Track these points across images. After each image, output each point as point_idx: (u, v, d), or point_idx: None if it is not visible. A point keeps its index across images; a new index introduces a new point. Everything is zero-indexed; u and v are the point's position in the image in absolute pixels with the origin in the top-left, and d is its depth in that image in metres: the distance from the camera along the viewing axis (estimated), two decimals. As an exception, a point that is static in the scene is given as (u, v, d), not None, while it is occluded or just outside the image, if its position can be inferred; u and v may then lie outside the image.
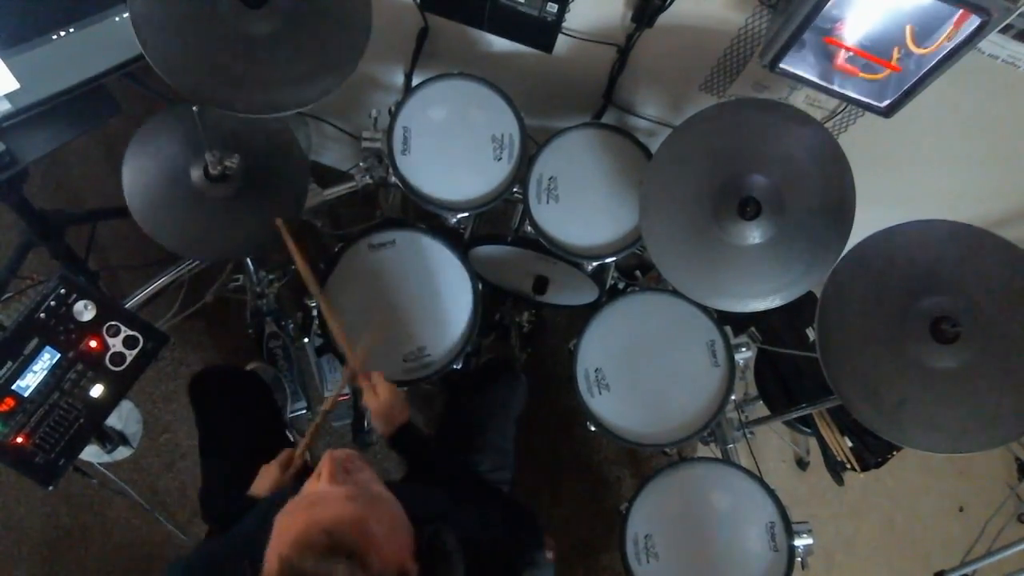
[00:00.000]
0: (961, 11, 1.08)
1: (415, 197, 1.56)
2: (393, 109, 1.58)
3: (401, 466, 1.37)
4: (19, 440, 1.21)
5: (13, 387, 1.21)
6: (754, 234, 1.33)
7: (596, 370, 1.64)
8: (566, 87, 1.74)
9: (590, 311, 1.70)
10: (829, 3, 1.12)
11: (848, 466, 1.93)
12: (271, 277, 1.98)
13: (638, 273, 2.25)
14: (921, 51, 1.17)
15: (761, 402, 2.06)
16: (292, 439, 1.72)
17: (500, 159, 1.58)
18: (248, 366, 2.07)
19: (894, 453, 1.88)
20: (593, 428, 1.63)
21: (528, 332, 2.17)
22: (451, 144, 1.58)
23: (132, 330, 1.30)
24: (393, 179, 1.58)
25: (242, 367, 2.02)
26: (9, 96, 1.28)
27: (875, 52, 1.22)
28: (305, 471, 1.28)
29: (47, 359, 1.24)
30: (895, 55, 1.21)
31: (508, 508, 1.14)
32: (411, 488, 1.31)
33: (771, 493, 1.56)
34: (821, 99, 1.54)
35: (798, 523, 1.55)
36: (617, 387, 1.64)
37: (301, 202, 1.49)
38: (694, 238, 1.36)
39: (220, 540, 1.00)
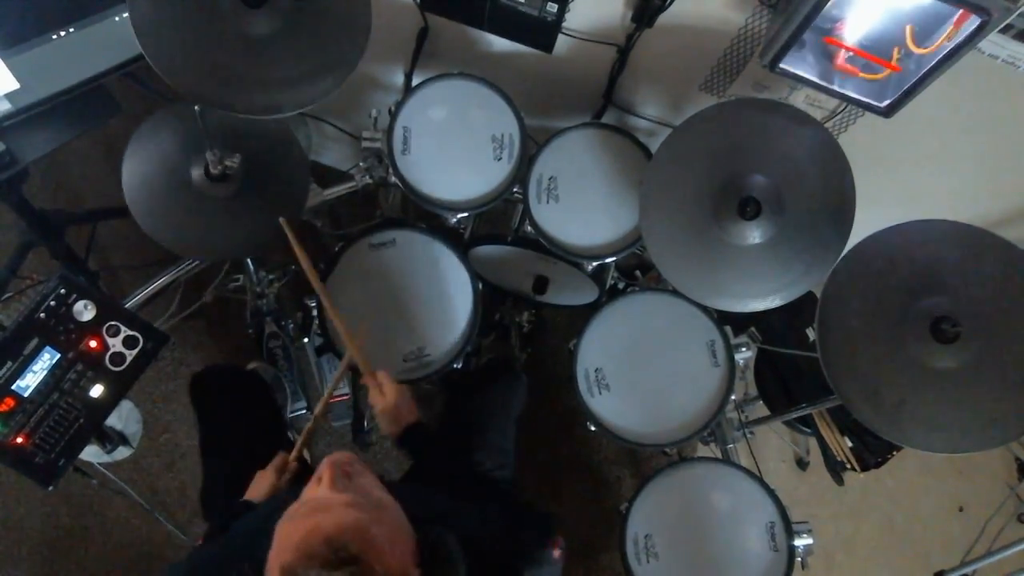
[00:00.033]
0: (961, 11, 1.08)
1: (415, 197, 1.56)
2: (393, 109, 1.58)
3: (401, 466, 1.37)
4: (19, 440, 1.21)
5: (13, 387, 1.21)
6: (754, 234, 1.33)
7: (596, 370, 1.64)
8: (566, 87, 1.74)
9: (590, 311, 1.70)
10: (829, 3, 1.12)
11: (848, 466, 1.93)
12: (271, 277, 1.98)
13: (638, 273, 2.25)
14: (921, 51, 1.17)
15: (761, 402, 2.06)
16: (293, 439, 1.72)
17: (500, 159, 1.58)
18: (248, 366, 2.07)
19: (894, 453, 1.88)
20: (593, 428, 1.63)
21: (528, 332, 2.17)
22: (451, 144, 1.58)
23: (132, 330, 1.30)
24: (393, 179, 1.58)
25: (242, 366, 2.02)
26: (9, 96, 1.28)
27: (875, 52, 1.22)
28: (304, 473, 1.28)
29: (47, 359, 1.24)
30: (895, 55, 1.21)
31: (509, 506, 1.14)
32: (410, 488, 1.31)
33: (771, 493, 1.56)
34: (821, 99, 1.54)
35: (798, 523, 1.55)
36: (617, 387, 1.64)
37: (301, 202, 1.49)
38: (694, 238, 1.36)
39: (220, 542, 1.00)
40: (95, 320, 1.28)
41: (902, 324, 1.26)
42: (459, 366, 1.61)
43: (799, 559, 1.54)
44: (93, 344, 1.27)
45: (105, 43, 1.34)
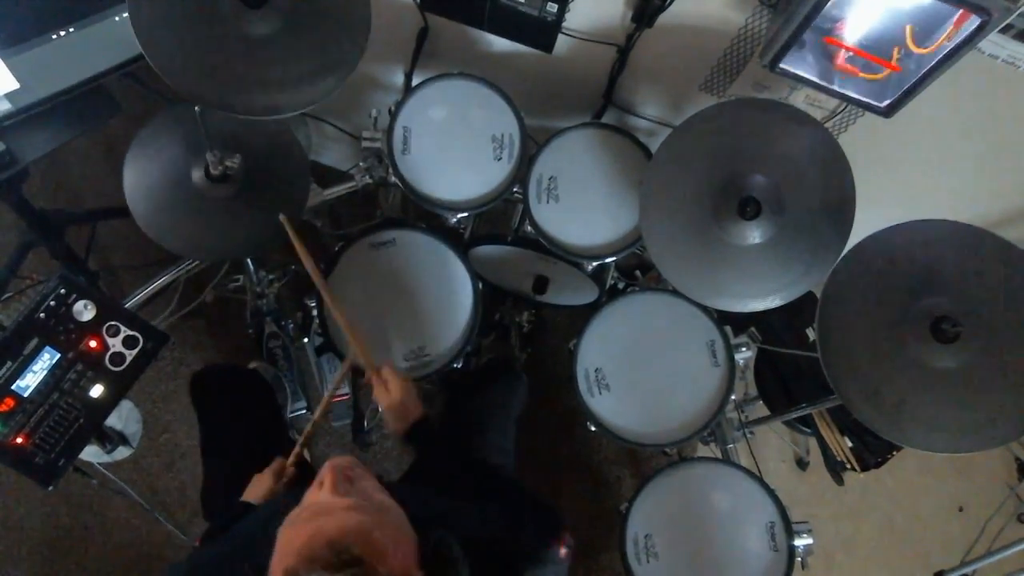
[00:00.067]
0: (961, 11, 1.08)
1: (415, 197, 1.56)
2: (393, 109, 1.58)
3: (401, 466, 1.36)
4: (19, 440, 1.21)
5: (13, 387, 1.21)
6: (754, 234, 1.33)
7: (596, 370, 1.64)
8: (566, 87, 1.74)
9: (590, 311, 1.70)
10: (829, 3, 1.12)
11: (848, 466, 1.93)
12: (271, 277, 1.98)
13: (638, 273, 2.25)
14: (921, 51, 1.17)
15: (761, 402, 2.06)
16: (293, 439, 1.72)
17: (500, 159, 1.58)
18: (249, 365, 2.07)
19: (894, 453, 1.88)
20: (593, 428, 1.63)
21: (528, 332, 2.17)
22: (451, 144, 1.58)
23: (132, 330, 1.30)
24: (393, 179, 1.58)
25: (243, 366, 2.02)
26: (9, 96, 1.28)
27: (875, 52, 1.22)
28: (303, 476, 1.28)
29: (47, 359, 1.24)
30: (895, 55, 1.21)
31: (511, 504, 1.13)
32: (409, 489, 1.31)
33: (771, 493, 1.56)
34: (821, 99, 1.54)
35: (798, 523, 1.55)
36: (617, 387, 1.64)
37: (301, 202, 1.49)
38: (694, 238, 1.36)
39: (221, 543, 1.00)
40: (95, 320, 1.28)
41: (902, 324, 1.27)
42: (459, 366, 1.61)
43: (799, 559, 1.54)
44: (93, 344, 1.27)
45: (105, 43, 1.34)
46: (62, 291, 1.26)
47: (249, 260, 1.82)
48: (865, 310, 1.29)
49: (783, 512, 1.55)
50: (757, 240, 1.34)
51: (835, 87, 1.30)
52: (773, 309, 1.37)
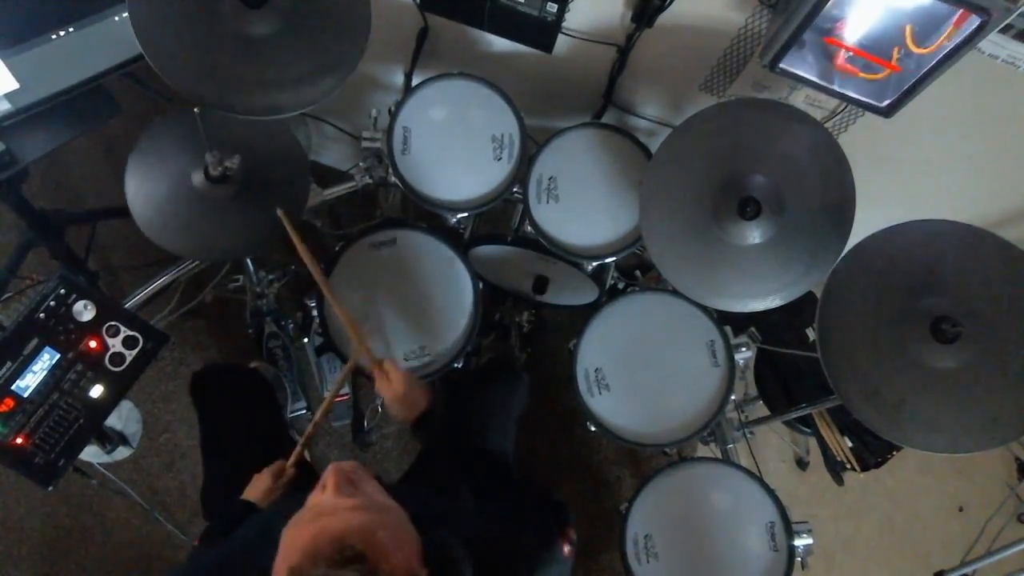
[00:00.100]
0: (961, 11, 1.08)
1: (415, 197, 1.56)
2: (393, 109, 1.58)
3: (400, 466, 1.36)
4: (19, 440, 1.20)
5: (13, 387, 1.21)
6: (754, 234, 1.33)
7: (596, 370, 1.64)
8: (566, 87, 1.74)
9: (590, 311, 1.69)
10: (829, 3, 1.12)
11: (848, 466, 1.93)
12: (271, 277, 1.98)
13: (638, 273, 2.25)
14: (921, 51, 1.17)
15: (761, 402, 2.06)
16: (294, 439, 1.72)
17: (500, 159, 1.58)
18: (250, 365, 2.07)
19: (894, 453, 1.88)
20: (593, 428, 1.63)
21: (528, 332, 2.17)
22: (451, 144, 1.58)
23: (132, 330, 1.30)
24: (393, 179, 1.58)
25: (244, 365, 2.02)
26: (9, 96, 1.28)
27: (875, 52, 1.22)
28: (303, 477, 1.28)
29: (47, 359, 1.24)
30: (895, 55, 1.21)
31: (513, 503, 1.13)
32: (409, 490, 1.31)
33: (771, 493, 1.56)
34: (821, 99, 1.54)
35: (798, 523, 1.55)
36: (617, 387, 1.64)
37: (301, 202, 1.49)
38: (694, 238, 1.36)
39: (220, 546, 1.00)
40: (95, 320, 1.28)
41: (902, 324, 1.27)
42: (459, 366, 1.61)
43: (799, 559, 1.54)
44: (93, 344, 1.27)
45: (105, 43, 1.34)
46: (62, 291, 1.26)
47: (249, 260, 1.82)
48: (865, 310, 1.29)
49: (783, 512, 1.55)
50: (757, 240, 1.34)
51: (835, 87, 1.30)
52: (773, 309, 1.37)
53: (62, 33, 1.28)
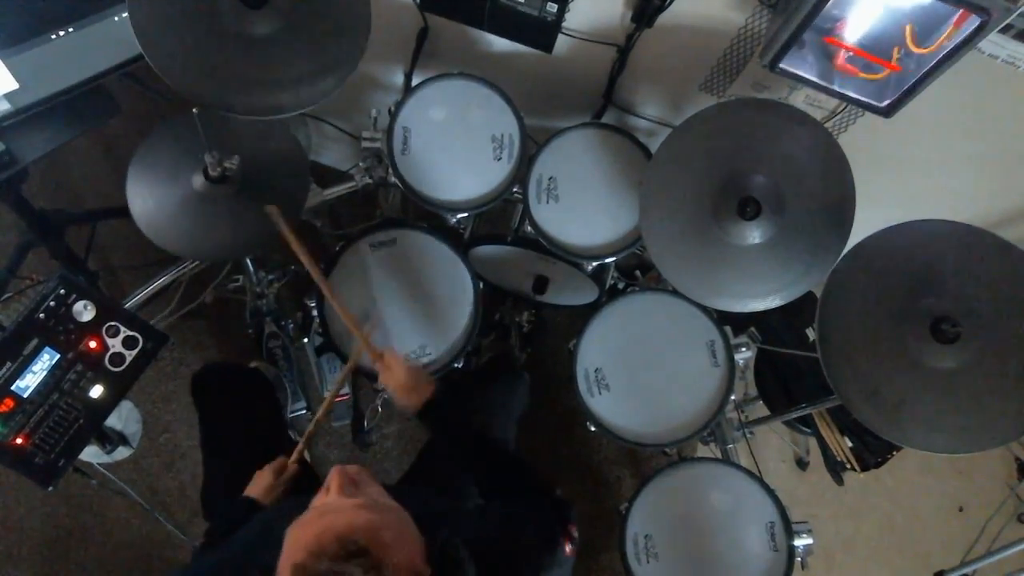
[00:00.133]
0: (961, 11, 1.08)
1: (415, 197, 1.56)
2: (393, 109, 1.58)
3: (401, 466, 1.36)
4: (19, 441, 1.20)
5: (13, 387, 1.21)
6: (754, 234, 1.33)
7: (596, 370, 1.64)
8: (566, 87, 1.74)
9: (590, 311, 1.69)
10: (829, 3, 1.12)
11: (848, 466, 1.93)
12: (271, 277, 1.98)
13: (638, 273, 2.25)
14: (921, 51, 1.17)
15: (761, 402, 2.06)
16: (294, 439, 1.72)
17: (500, 159, 1.58)
18: (250, 364, 2.07)
19: (894, 453, 1.88)
20: (593, 428, 1.63)
21: (528, 332, 2.17)
22: (451, 144, 1.58)
23: (132, 330, 1.30)
24: (393, 179, 1.58)
25: (245, 364, 2.02)
26: (9, 96, 1.28)
27: (875, 52, 1.22)
28: (303, 475, 1.28)
29: (47, 359, 1.24)
30: (895, 55, 1.21)
31: (512, 504, 1.12)
32: (409, 490, 1.31)
33: (771, 493, 1.56)
34: (821, 99, 1.54)
35: (798, 523, 1.55)
36: (617, 387, 1.64)
37: (301, 202, 1.49)
38: (694, 238, 1.36)
39: (221, 550, 1.00)
40: (95, 320, 1.28)
41: (902, 324, 1.27)
42: (459, 366, 1.61)
43: (799, 559, 1.54)
44: (93, 344, 1.27)
45: (105, 43, 1.34)
46: (62, 291, 1.26)
47: (249, 260, 1.82)
48: (865, 310, 1.29)
49: (783, 512, 1.55)
50: (757, 240, 1.34)
51: (835, 87, 1.30)
52: (773, 309, 1.37)
53: (62, 33, 1.28)
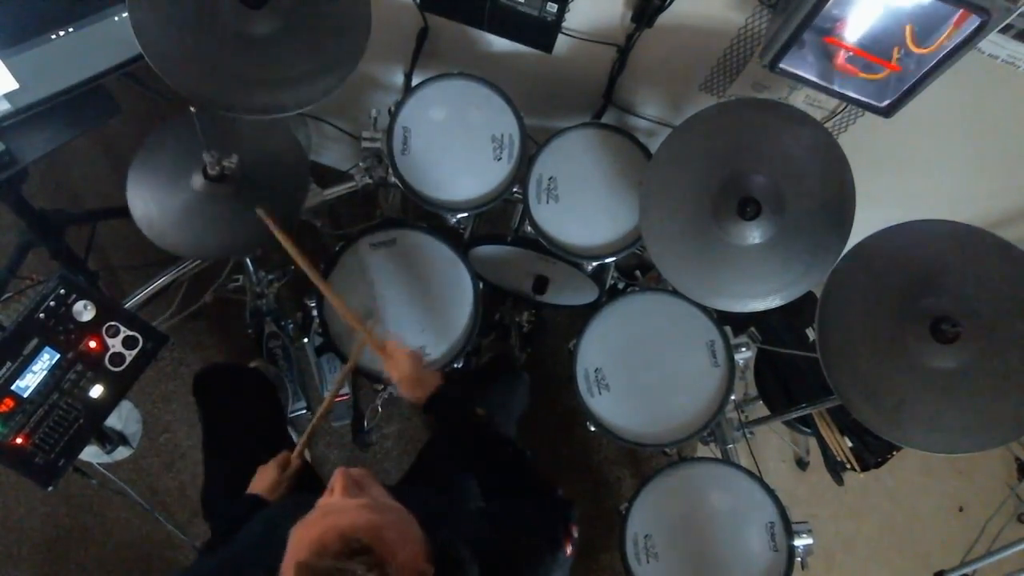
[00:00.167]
0: (961, 11, 1.08)
1: (415, 197, 1.56)
2: (393, 109, 1.58)
3: (401, 466, 1.36)
4: (19, 440, 1.20)
5: (12, 387, 1.21)
6: (754, 234, 1.33)
7: (596, 370, 1.64)
8: (566, 87, 1.74)
9: (590, 311, 1.70)
10: (829, 3, 1.12)
11: (848, 466, 1.93)
12: (271, 277, 1.98)
13: (638, 273, 2.25)
14: (921, 51, 1.17)
15: (761, 402, 2.06)
16: (294, 439, 1.72)
17: (500, 159, 1.58)
18: (250, 364, 2.07)
19: (894, 453, 1.88)
20: (593, 428, 1.63)
21: (528, 332, 2.17)
22: (451, 144, 1.58)
23: (132, 330, 1.30)
24: (393, 179, 1.58)
25: (246, 364, 2.02)
26: (9, 96, 1.28)
27: (875, 52, 1.22)
28: (305, 472, 1.28)
29: (47, 359, 1.24)
30: (895, 55, 1.21)
31: (512, 503, 1.12)
32: (409, 490, 1.31)
33: (771, 493, 1.56)
34: (821, 99, 1.54)
35: (798, 523, 1.55)
36: (617, 387, 1.64)
37: (301, 202, 1.49)
38: (694, 238, 1.36)
39: (224, 551, 1.00)
40: (95, 320, 1.28)
41: (902, 324, 1.26)
42: (459, 366, 1.61)
43: (799, 559, 1.54)
44: (93, 344, 1.27)
45: (105, 43, 1.34)
46: (62, 291, 1.26)
47: (249, 260, 1.82)
48: (865, 310, 1.29)
49: (783, 512, 1.55)
50: (757, 240, 1.34)
51: (835, 87, 1.30)
52: (773, 309, 1.37)
53: (62, 33, 1.28)
